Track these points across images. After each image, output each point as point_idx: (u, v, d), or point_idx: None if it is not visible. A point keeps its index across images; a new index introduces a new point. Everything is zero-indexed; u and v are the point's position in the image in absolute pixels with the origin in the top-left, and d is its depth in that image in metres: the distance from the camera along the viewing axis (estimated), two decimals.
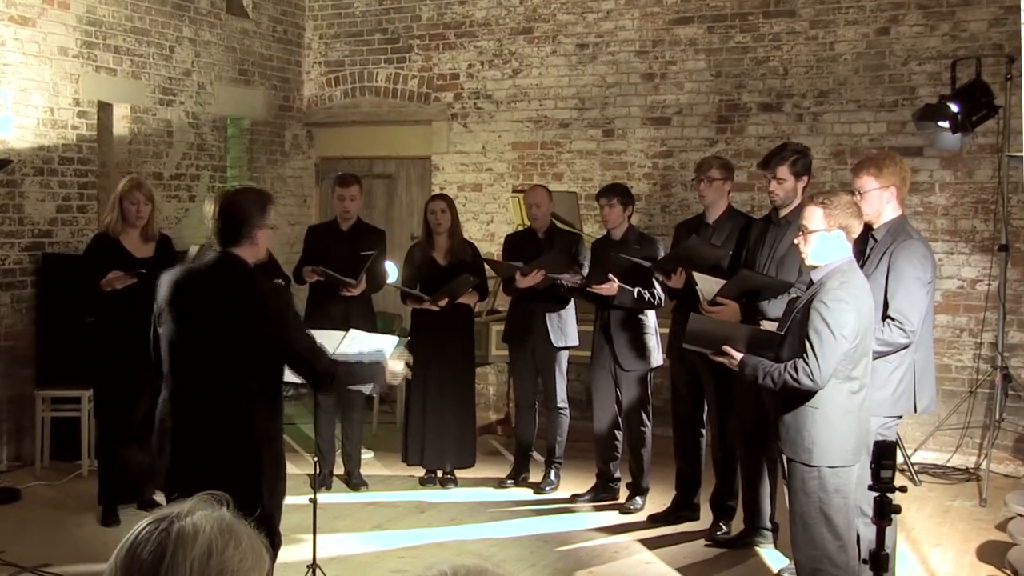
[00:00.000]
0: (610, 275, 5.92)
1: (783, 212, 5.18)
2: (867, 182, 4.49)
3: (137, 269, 5.63)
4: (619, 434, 6.23)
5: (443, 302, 6.28)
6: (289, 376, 4.74)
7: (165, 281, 3.70)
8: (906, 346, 4.34)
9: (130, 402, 5.65)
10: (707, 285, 5.23)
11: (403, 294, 6.52)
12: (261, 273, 3.82)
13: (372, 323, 6.23)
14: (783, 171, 5.11)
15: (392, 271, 7.00)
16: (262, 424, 3.62)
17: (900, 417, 4.54)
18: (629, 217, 6.16)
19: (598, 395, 6.24)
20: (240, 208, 3.62)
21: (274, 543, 3.62)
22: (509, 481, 6.66)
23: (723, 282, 5.17)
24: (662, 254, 5.96)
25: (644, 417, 6.13)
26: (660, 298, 5.97)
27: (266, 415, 3.64)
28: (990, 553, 5.45)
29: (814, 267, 4.01)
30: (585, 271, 6.26)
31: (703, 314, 5.01)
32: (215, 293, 3.59)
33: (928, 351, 4.56)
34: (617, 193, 6.09)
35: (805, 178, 5.20)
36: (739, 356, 4.09)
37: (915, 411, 4.53)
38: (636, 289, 5.93)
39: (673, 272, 5.66)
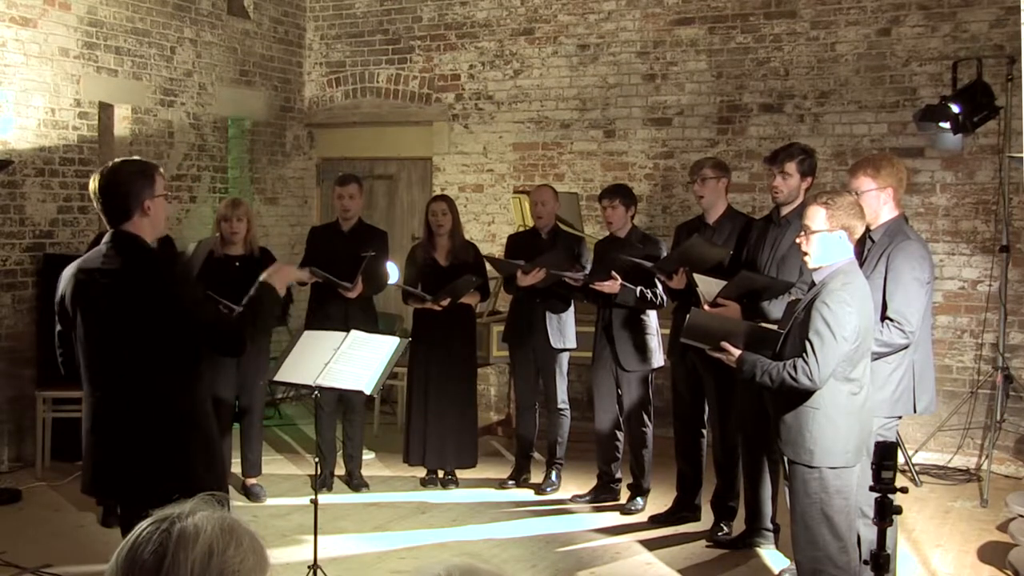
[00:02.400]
0: (612, 272, 5.91)
1: (784, 211, 5.18)
2: (864, 183, 4.50)
3: None
4: (620, 435, 6.23)
5: (445, 302, 6.28)
6: (282, 376, 4.74)
7: (65, 277, 3.56)
8: (905, 347, 4.33)
9: None
10: (708, 287, 5.22)
11: (405, 294, 6.52)
12: (155, 248, 3.60)
13: (373, 324, 6.24)
14: (791, 167, 5.12)
15: (393, 272, 7.00)
16: (183, 405, 3.49)
17: (900, 417, 4.54)
18: (632, 218, 6.16)
19: (599, 396, 6.24)
20: (123, 182, 3.45)
21: None
22: (510, 482, 6.66)
23: (724, 283, 5.16)
24: (665, 254, 5.96)
25: (645, 418, 6.13)
26: (662, 298, 5.97)
27: (187, 396, 3.51)
28: (991, 554, 5.45)
29: (816, 268, 4.01)
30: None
31: None
32: (114, 280, 3.43)
33: (927, 352, 4.56)
34: (620, 194, 6.09)
35: (809, 179, 5.21)
36: (737, 353, 4.09)
37: (915, 412, 4.53)
38: (639, 288, 5.93)
39: (674, 272, 5.66)
